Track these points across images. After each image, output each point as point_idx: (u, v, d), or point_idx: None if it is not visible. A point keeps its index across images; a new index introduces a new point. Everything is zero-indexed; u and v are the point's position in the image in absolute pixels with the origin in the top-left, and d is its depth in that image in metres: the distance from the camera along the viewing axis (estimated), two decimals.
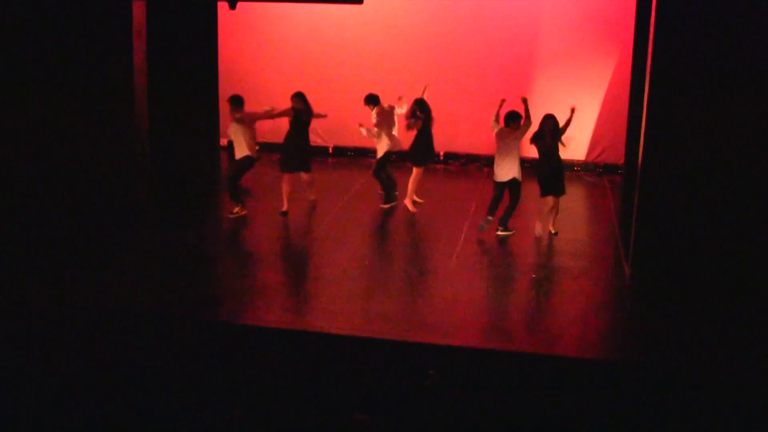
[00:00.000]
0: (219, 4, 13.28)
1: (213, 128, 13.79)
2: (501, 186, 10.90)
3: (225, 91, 13.78)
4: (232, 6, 12.95)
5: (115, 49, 10.62)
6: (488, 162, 10.36)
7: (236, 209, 11.70)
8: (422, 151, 12.32)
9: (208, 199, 12.92)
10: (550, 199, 10.87)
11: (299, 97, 11.92)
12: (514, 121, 10.81)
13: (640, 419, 6.32)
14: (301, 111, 11.82)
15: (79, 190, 10.98)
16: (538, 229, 11.01)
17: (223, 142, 14.29)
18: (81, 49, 10.65)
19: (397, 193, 12.82)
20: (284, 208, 11.80)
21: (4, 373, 6.36)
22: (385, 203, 12.81)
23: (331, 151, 15.92)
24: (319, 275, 9.88)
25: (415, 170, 12.29)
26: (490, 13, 14.79)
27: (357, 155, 15.66)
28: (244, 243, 10.96)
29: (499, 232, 10.95)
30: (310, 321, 8.68)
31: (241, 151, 11.69)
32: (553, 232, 10.95)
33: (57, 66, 10.74)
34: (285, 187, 11.83)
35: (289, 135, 11.90)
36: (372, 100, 12.60)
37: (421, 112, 12.12)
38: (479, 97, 14.71)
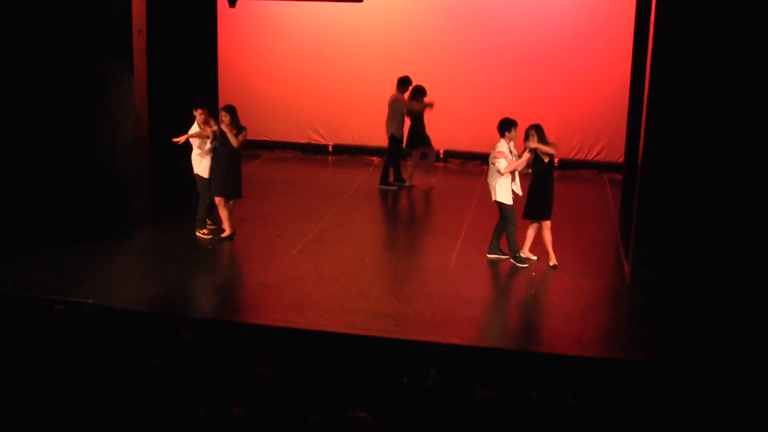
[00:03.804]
0: (219, 2, 13.28)
1: None
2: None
3: (225, 91, 13.82)
4: (232, 4, 12.95)
5: (115, 48, 10.61)
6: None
7: (204, 231, 11.07)
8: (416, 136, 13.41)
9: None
10: (545, 224, 10.13)
11: (230, 112, 10.61)
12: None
13: (640, 418, 6.32)
14: (225, 135, 10.56)
15: (78, 189, 10.97)
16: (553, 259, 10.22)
17: None
18: (81, 48, 10.64)
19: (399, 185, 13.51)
20: (227, 233, 10.95)
21: (2, 372, 6.36)
22: (382, 183, 13.52)
23: (330, 149, 15.92)
24: (319, 274, 9.88)
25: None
26: (489, 12, 14.80)
27: (356, 153, 15.69)
28: (243, 241, 10.95)
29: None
30: (310, 319, 8.68)
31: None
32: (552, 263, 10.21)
33: (57, 65, 10.73)
34: (223, 212, 10.91)
35: (223, 159, 10.68)
36: (402, 82, 13.32)
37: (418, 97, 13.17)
38: (479, 95, 14.71)
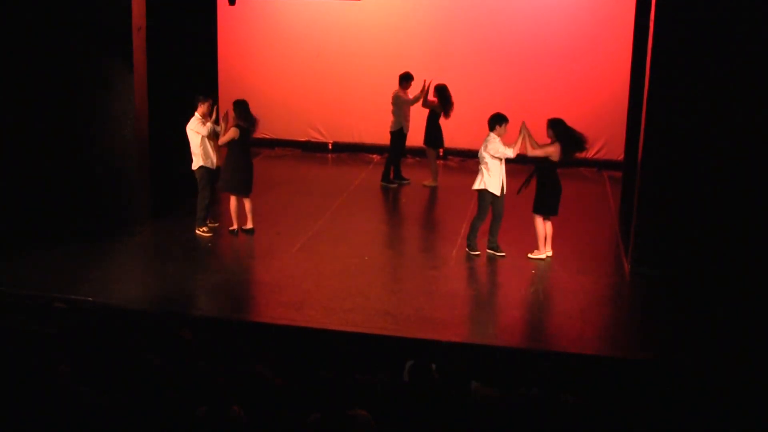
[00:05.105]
0: (218, 0, 13.27)
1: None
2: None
3: (225, 88, 13.82)
4: (232, 2, 12.97)
5: (114, 46, 10.60)
6: None
7: (204, 229, 11.02)
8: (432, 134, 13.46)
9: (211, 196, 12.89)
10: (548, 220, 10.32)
11: (242, 109, 10.65)
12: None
13: (640, 416, 6.33)
14: (245, 129, 10.61)
15: (78, 187, 10.97)
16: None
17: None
18: (81, 46, 10.63)
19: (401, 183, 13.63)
20: (233, 227, 10.98)
21: (2, 371, 6.36)
22: (383, 180, 13.59)
23: (330, 147, 15.92)
24: (318, 272, 9.88)
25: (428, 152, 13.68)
26: (490, 10, 14.79)
27: (356, 151, 15.68)
28: (242, 239, 10.95)
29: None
30: (309, 317, 8.68)
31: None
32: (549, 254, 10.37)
33: (56, 63, 10.72)
34: (232, 206, 10.94)
35: (232, 154, 10.68)
36: (404, 78, 13.34)
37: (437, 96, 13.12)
38: (479, 94, 14.69)
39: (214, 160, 10.86)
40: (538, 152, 9.97)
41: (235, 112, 10.62)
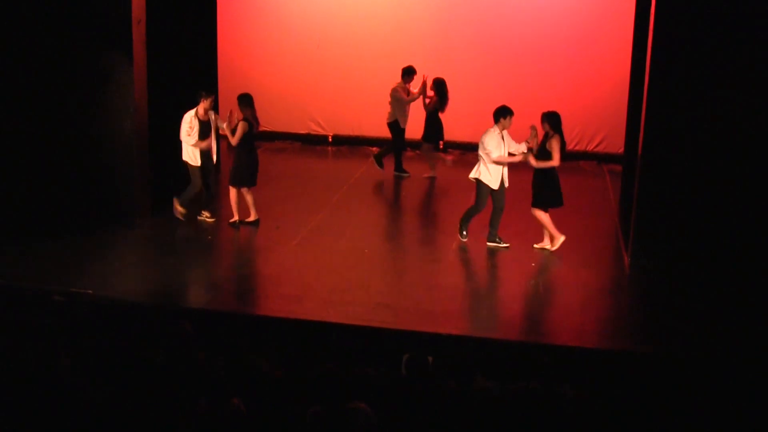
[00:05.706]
0: None
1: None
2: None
3: (224, 81, 13.80)
4: None
5: (114, 39, 10.58)
6: None
7: (206, 214, 11.22)
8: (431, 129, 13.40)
9: (206, 190, 12.88)
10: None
11: (248, 103, 10.81)
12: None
13: (639, 409, 6.33)
14: (251, 124, 10.73)
15: (77, 180, 10.96)
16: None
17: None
18: (80, 39, 10.61)
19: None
20: (234, 219, 11.02)
21: (2, 364, 6.36)
22: (396, 170, 13.64)
23: (330, 139, 15.91)
24: (318, 265, 9.88)
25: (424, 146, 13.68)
26: (491, 3, 14.77)
27: (356, 144, 15.67)
28: (243, 232, 10.96)
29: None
30: (309, 310, 8.69)
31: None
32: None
33: (56, 56, 10.70)
34: (232, 198, 11.03)
35: (238, 147, 10.81)
36: (406, 72, 13.34)
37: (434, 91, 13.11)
38: (479, 87, 14.69)
39: (198, 159, 10.90)
40: (548, 162, 9.96)
41: (241, 105, 10.67)
